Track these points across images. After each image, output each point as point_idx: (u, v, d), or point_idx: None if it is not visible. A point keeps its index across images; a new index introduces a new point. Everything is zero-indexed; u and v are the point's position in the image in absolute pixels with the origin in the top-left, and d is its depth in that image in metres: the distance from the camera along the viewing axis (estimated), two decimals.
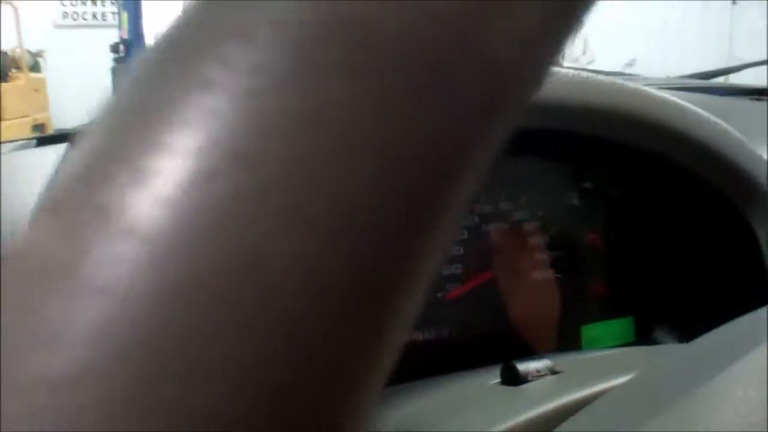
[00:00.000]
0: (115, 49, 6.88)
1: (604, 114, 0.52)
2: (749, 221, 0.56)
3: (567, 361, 0.46)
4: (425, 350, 0.60)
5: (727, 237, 0.59)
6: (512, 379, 0.42)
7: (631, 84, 0.53)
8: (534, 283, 0.62)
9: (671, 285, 0.64)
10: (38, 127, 6.20)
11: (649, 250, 0.65)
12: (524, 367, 0.42)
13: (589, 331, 0.64)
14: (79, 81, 7.29)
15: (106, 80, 6.78)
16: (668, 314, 0.65)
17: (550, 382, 0.41)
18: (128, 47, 6.78)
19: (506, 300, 0.62)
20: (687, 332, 0.63)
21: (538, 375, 0.42)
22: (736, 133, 0.55)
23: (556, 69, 0.53)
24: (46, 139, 0.81)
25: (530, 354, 0.62)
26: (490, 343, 0.61)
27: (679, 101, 0.53)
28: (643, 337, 0.66)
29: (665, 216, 0.64)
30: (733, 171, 0.54)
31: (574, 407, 0.32)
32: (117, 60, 6.87)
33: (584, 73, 0.53)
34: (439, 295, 0.60)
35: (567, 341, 0.63)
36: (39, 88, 6.75)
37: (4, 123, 6.01)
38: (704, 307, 0.62)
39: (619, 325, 0.66)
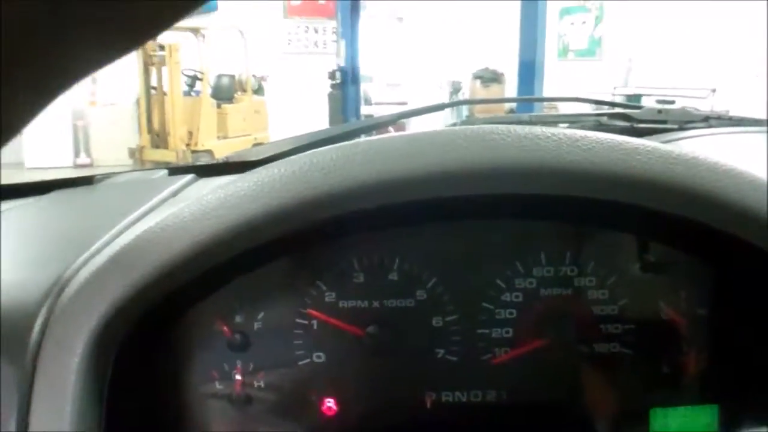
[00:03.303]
0: (332, 75, 7.34)
1: (667, 188, 0.47)
2: None
3: None
4: (469, 411, 0.58)
5: None
6: None
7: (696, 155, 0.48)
8: (596, 356, 0.58)
9: (765, 372, 0.57)
10: (257, 145, 6.80)
11: (740, 331, 0.58)
12: None
13: (661, 415, 0.58)
14: (298, 104, 7.88)
15: (322, 104, 7.27)
16: (760, 406, 0.57)
17: None
18: (344, 74, 7.21)
19: (562, 370, 0.58)
20: None
21: None
22: None
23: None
24: (176, 169, 0.90)
25: (590, 429, 0.58)
26: (541, 413, 0.58)
27: (750, 173, 0.47)
28: (729, 428, 0.58)
29: (754, 296, 0.56)
30: None
31: None
32: (333, 86, 7.34)
33: (650, 144, 0.49)
34: (484, 357, 0.58)
35: (631, 423, 0.58)
36: (260, 110, 7.40)
37: (228, 140, 6.66)
38: None
39: (701, 413, 0.59)
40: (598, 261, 0.58)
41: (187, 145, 6.31)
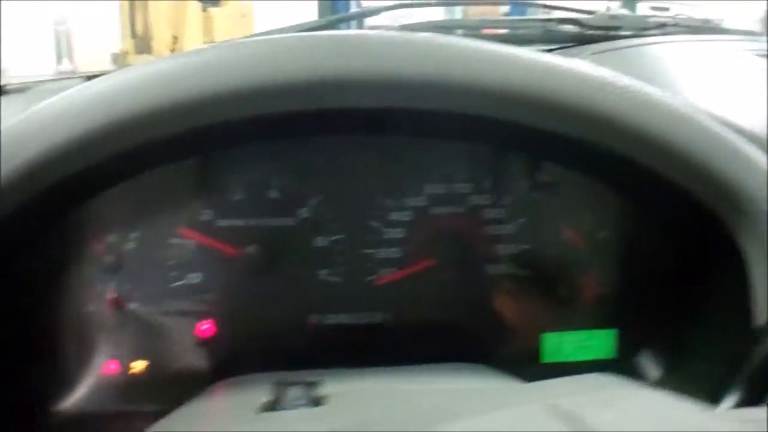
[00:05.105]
0: None
1: (559, 107, 0.42)
2: (738, 242, 0.44)
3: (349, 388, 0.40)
4: (354, 334, 0.56)
5: (714, 256, 0.48)
6: (274, 402, 0.37)
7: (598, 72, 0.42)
8: (489, 278, 0.55)
9: (664, 300, 0.54)
10: None
11: (639, 258, 0.55)
12: (283, 392, 0.37)
13: (554, 339, 0.56)
14: (286, 7, 7.65)
15: (312, 8, 7.05)
16: (658, 334, 0.55)
17: (301, 415, 0.36)
18: None
19: (453, 292, 0.55)
20: (674, 360, 0.53)
21: (296, 404, 0.37)
22: (730, 136, 0.43)
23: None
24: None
25: (479, 352, 0.56)
26: (429, 335, 0.55)
27: (654, 95, 0.42)
28: (627, 356, 0.56)
29: (655, 223, 0.53)
30: (714, 180, 0.43)
31: None
32: None
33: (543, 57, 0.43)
34: (369, 278, 0.55)
35: (523, 346, 0.56)
36: (246, 14, 7.18)
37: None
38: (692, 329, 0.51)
39: (597, 338, 0.57)
40: (494, 179, 0.54)
41: (172, 50, 6.14)
